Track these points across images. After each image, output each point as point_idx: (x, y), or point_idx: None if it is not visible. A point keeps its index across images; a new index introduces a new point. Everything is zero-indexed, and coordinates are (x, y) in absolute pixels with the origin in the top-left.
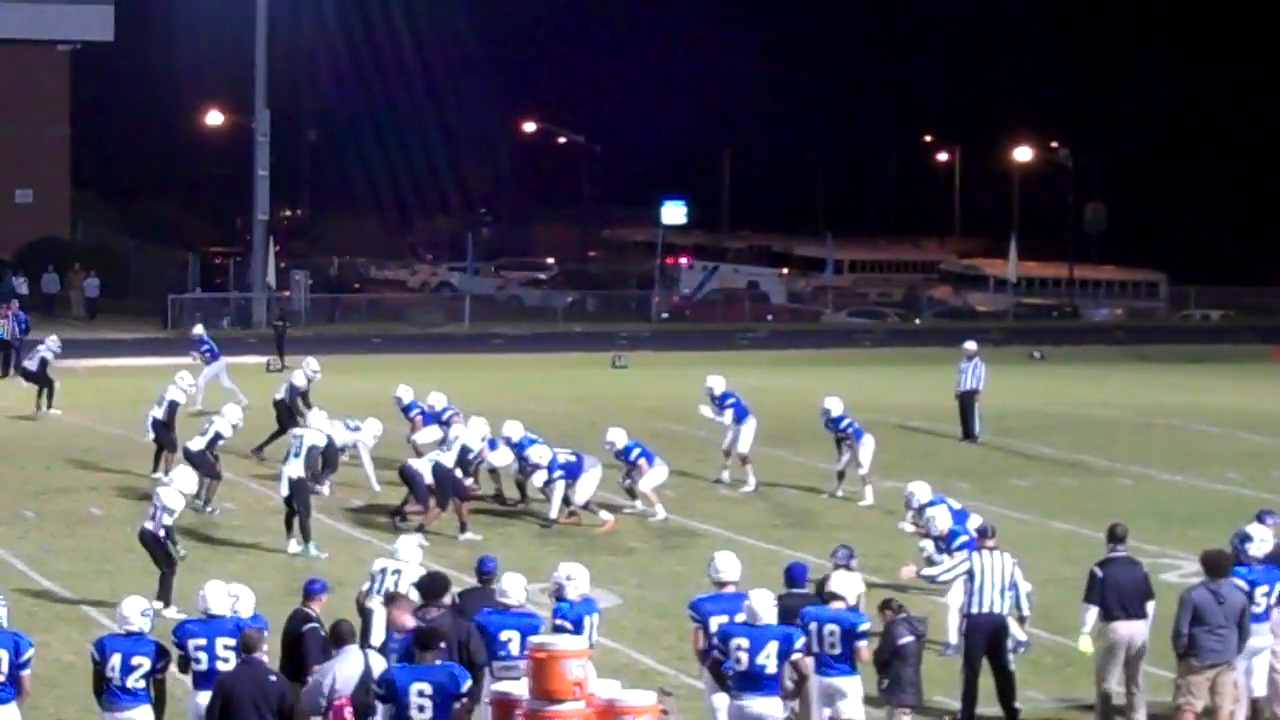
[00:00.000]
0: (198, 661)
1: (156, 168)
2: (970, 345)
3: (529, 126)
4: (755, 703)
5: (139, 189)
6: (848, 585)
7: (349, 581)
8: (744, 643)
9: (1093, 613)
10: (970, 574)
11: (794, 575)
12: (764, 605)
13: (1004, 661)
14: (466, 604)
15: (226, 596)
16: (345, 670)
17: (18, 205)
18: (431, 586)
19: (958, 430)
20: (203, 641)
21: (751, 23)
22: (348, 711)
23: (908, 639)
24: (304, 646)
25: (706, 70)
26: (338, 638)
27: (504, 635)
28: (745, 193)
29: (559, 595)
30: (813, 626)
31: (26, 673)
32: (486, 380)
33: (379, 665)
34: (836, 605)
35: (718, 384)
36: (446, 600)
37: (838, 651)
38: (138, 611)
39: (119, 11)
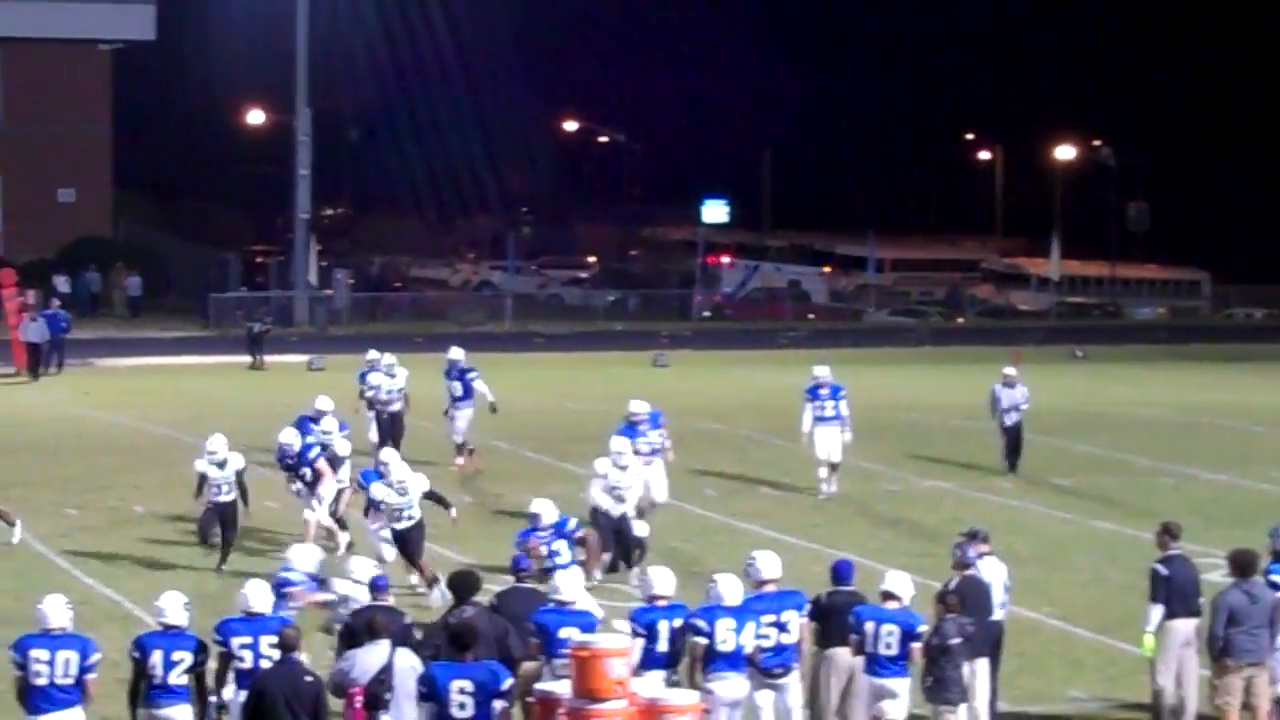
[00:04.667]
0: (241, 660)
1: (198, 167)
2: (1011, 370)
3: (570, 125)
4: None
5: (181, 188)
6: (904, 585)
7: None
8: (892, 628)
9: (1158, 611)
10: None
11: (840, 573)
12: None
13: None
14: (506, 602)
15: (270, 595)
16: (368, 660)
17: (60, 204)
18: (464, 585)
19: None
20: (248, 640)
21: (793, 21)
22: (358, 700)
23: (957, 640)
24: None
25: (748, 69)
26: (373, 630)
27: (563, 633)
28: (787, 191)
29: (650, 597)
30: (869, 626)
31: (92, 676)
32: (527, 379)
33: (410, 663)
34: (892, 605)
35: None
36: (481, 599)
37: (894, 652)
38: (178, 606)
39: (160, 10)
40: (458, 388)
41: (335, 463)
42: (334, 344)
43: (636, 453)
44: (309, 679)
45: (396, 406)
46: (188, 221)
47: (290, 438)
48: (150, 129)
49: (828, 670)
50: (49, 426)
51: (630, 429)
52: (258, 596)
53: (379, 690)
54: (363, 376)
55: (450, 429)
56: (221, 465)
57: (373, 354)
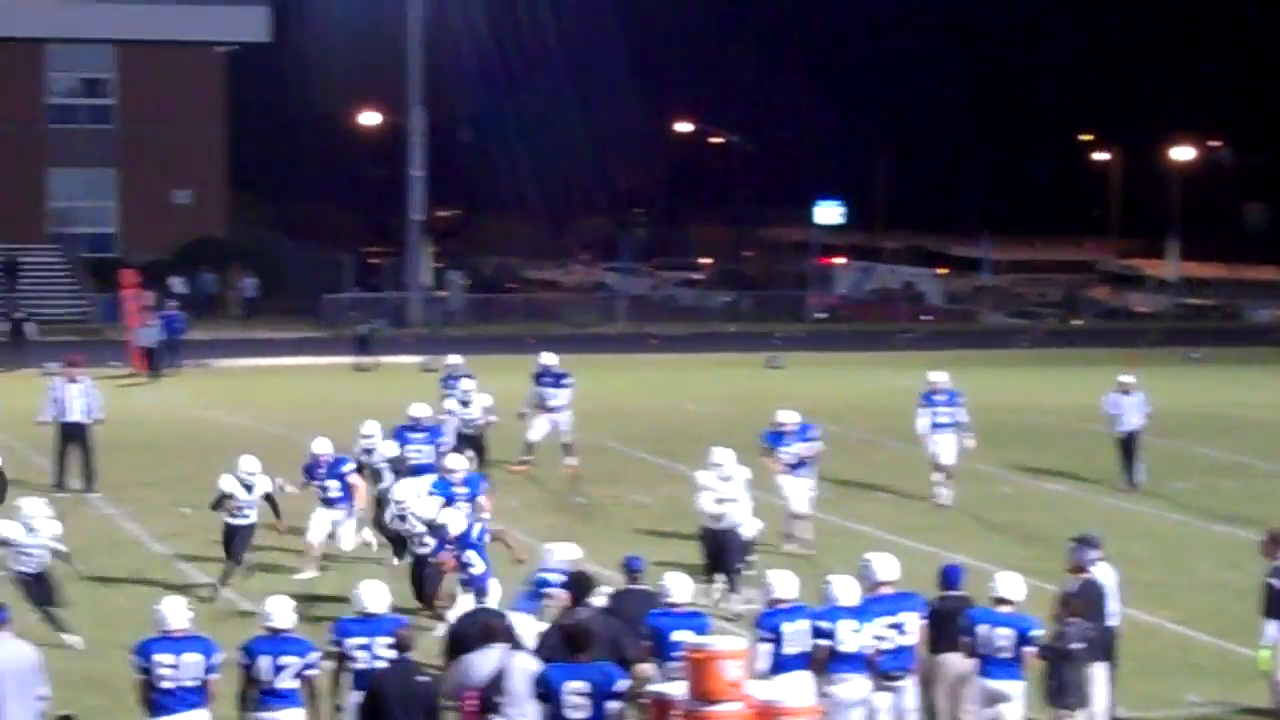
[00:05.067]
0: (355, 660)
1: (313, 168)
2: (1127, 378)
3: (683, 126)
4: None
5: (295, 189)
6: (1017, 588)
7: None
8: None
9: (1274, 626)
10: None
11: (949, 577)
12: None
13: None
14: (621, 604)
15: (383, 596)
16: (483, 665)
17: (176, 206)
18: (580, 586)
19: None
20: (363, 640)
21: (908, 21)
22: (472, 703)
23: (1079, 644)
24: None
25: (863, 68)
26: (489, 634)
27: (677, 635)
28: (902, 192)
29: (772, 601)
30: (983, 630)
31: (215, 677)
32: (641, 380)
33: (526, 666)
34: (1005, 608)
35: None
36: (597, 600)
37: (1008, 655)
38: (285, 609)
39: (275, 12)
40: (551, 393)
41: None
42: (448, 345)
43: (786, 467)
44: (423, 679)
45: (478, 424)
46: (302, 223)
47: (324, 447)
48: (265, 130)
49: (939, 675)
50: (165, 427)
51: (776, 437)
52: (372, 597)
53: (493, 694)
54: (444, 382)
55: (530, 431)
56: (250, 488)
57: (453, 359)
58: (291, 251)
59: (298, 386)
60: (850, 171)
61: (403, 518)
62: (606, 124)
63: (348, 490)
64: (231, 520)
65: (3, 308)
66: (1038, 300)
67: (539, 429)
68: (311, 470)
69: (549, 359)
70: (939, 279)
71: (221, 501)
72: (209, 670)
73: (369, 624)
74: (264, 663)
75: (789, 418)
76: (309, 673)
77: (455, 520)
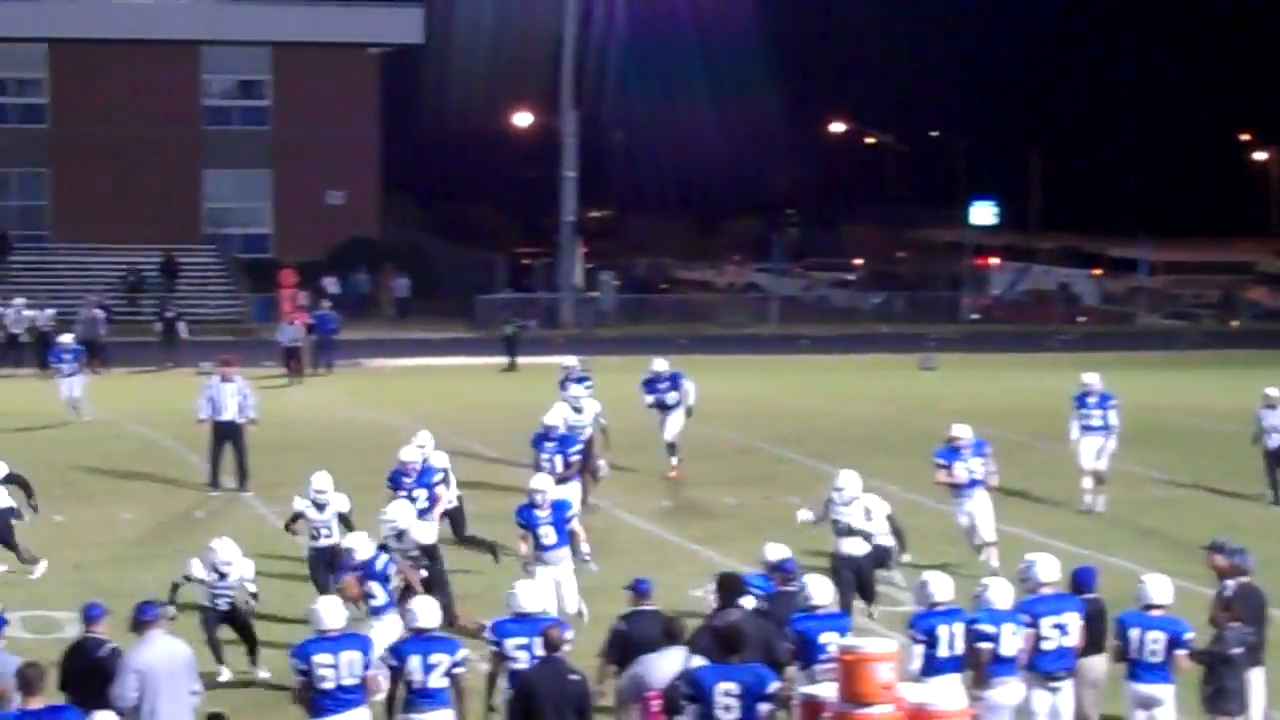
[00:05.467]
0: (516, 660)
1: (465, 169)
2: (1274, 391)
3: (836, 127)
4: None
5: (448, 190)
6: (1166, 591)
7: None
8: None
9: None
10: None
11: (1084, 580)
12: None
13: None
14: (772, 606)
15: (541, 596)
16: (664, 666)
17: (330, 206)
18: (731, 587)
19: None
20: (523, 640)
21: (1064, 21)
22: (656, 704)
23: (1238, 649)
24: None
25: (1016, 68)
26: (670, 634)
27: (823, 638)
28: (1057, 193)
29: (929, 604)
30: (1134, 633)
31: (373, 672)
32: (792, 382)
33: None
34: (1155, 613)
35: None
36: (746, 601)
37: (1159, 660)
38: (430, 610)
39: (429, 14)
40: (665, 396)
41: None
42: (600, 346)
43: (960, 485)
44: (575, 677)
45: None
46: (455, 224)
47: (413, 455)
48: (418, 131)
49: (1082, 679)
50: (317, 427)
51: (951, 453)
52: (529, 597)
53: (677, 695)
54: (562, 385)
55: (665, 433)
56: (322, 508)
57: (569, 361)
58: (444, 252)
59: (448, 387)
60: (1005, 171)
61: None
62: (759, 124)
63: (434, 501)
64: (314, 545)
65: (158, 307)
66: (1195, 301)
67: (671, 428)
68: (397, 479)
69: (660, 365)
70: (1094, 280)
71: (294, 521)
72: (367, 666)
73: (528, 624)
74: (414, 663)
75: (963, 432)
76: (457, 671)
77: (362, 545)
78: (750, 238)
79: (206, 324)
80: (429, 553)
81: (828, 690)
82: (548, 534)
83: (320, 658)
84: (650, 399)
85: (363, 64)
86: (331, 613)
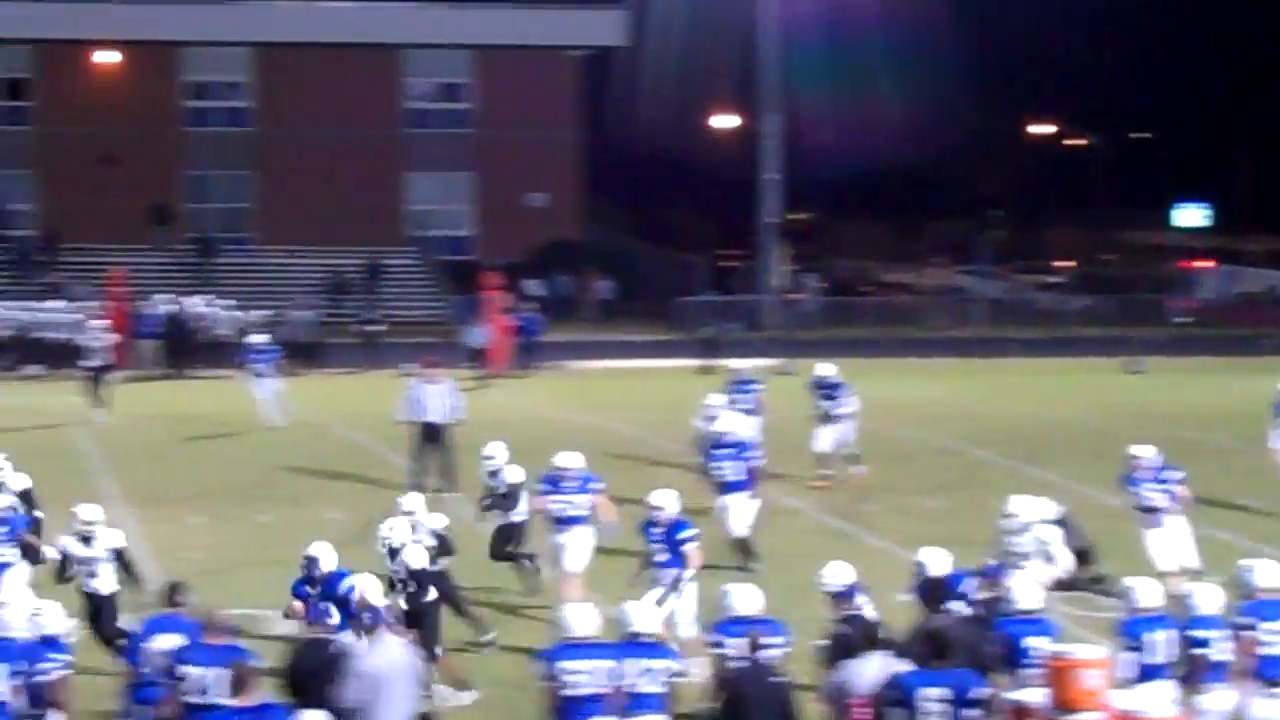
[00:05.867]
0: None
1: (666, 170)
2: None
3: (1041, 128)
4: None
5: (649, 192)
6: None
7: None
8: None
9: None
10: None
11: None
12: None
13: None
14: (979, 610)
15: (756, 598)
16: (868, 671)
17: (531, 209)
18: (938, 592)
19: None
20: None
21: (1272, 15)
22: (861, 711)
23: None
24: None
25: (1224, 68)
26: (871, 640)
27: (1029, 643)
28: (1268, 194)
29: (1136, 609)
30: None
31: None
32: (996, 385)
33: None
34: None
35: None
36: (954, 606)
37: None
38: (647, 615)
39: (628, 15)
40: (830, 404)
41: None
42: (801, 348)
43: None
44: (778, 680)
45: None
46: (656, 225)
47: (571, 460)
48: (619, 133)
49: None
50: (521, 427)
51: (1135, 480)
52: (743, 599)
53: (884, 701)
54: (730, 390)
55: (816, 443)
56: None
57: (737, 365)
58: (645, 254)
59: (650, 389)
60: (1213, 173)
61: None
62: (962, 125)
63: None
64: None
65: (363, 310)
66: None
67: (825, 439)
68: (555, 483)
69: (826, 370)
70: None
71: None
72: (613, 676)
73: (745, 626)
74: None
75: (1144, 453)
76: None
77: (326, 556)
78: (954, 240)
79: (408, 326)
80: (418, 579)
81: (1035, 695)
82: (660, 551)
83: (569, 664)
84: (815, 404)
85: (563, 66)
86: (580, 619)
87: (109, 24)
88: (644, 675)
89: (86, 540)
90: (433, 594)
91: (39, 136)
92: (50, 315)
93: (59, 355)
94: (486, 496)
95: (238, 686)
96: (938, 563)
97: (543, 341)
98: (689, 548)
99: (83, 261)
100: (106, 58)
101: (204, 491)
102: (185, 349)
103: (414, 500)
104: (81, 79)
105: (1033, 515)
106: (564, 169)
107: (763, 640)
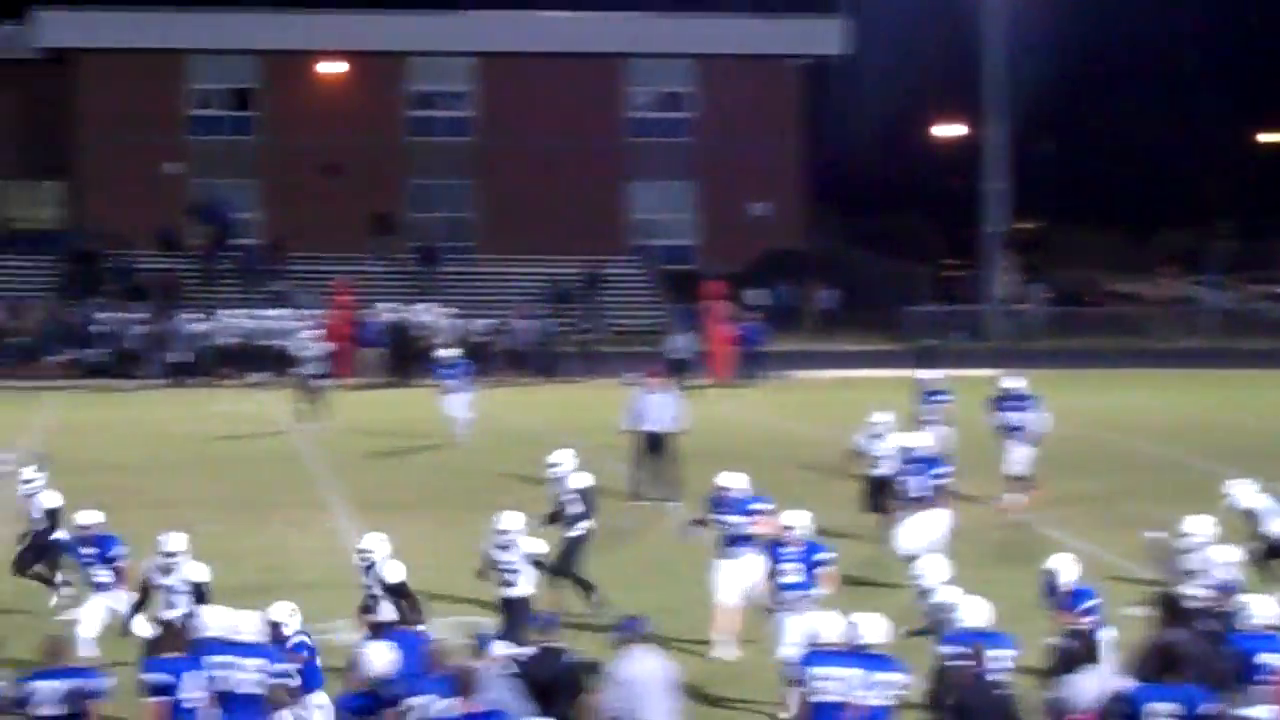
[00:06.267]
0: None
1: (888, 179)
2: None
3: (1271, 137)
4: None
5: (871, 201)
6: None
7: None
8: None
9: None
10: None
11: None
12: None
13: None
14: (1209, 625)
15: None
16: (1090, 685)
17: (754, 218)
18: (1170, 606)
19: None
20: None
21: None
22: None
23: None
24: None
25: None
26: (1092, 654)
27: (1262, 659)
28: None
29: None
30: None
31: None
32: (1226, 397)
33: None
34: None
35: None
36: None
37: None
38: (878, 628)
39: (849, 24)
40: (1015, 418)
41: None
42: (1026, 359)
43: None
44: (1003, 692)
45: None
46: (879, 235)
47: (734, 481)
48: (840, 142)
49: None
50: (744, 436)
51: None
52: (971, 612)
53: (1111, 715)
54: (921, 397)
55: (1008, 465)
56: (506, 548)
57: (927, 374)
58: (868, 264)
59: (872, 399)
60: None
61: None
62: (1192, 132)
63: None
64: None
65: (581, 319)
66: None
67: (1017, 460)
68: (718, 505)
69: (1014, 383)
70: None
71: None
72: (872, 687)
73: (971, 638)
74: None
75: None
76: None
77: (287, 618)
78: (1183, 249)
79: (629, 335)
80: (397, 591)
81: (1266, 713)
82: (789, 572)
83: (823, 669)
84: (995, 420)
85: (784, 75)
86: (873, 629)
87: (334, 35)
88: (877, 688)
89: (366, 566)
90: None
91: (265, 146)
92: (275, 323)
93: (283, 363)
94: (552, 510)
95: (463, 691)
96: (1067, 570)
97: (765, 351)
98: (823, 571)
99: (306, 270)
100: (332, 68)
101: (426, 498)
102: (408, 357)
103: (512, 519)
104: (307, 89)
105: (1205, 534)
106: (785, 177)
107: (989, 653)
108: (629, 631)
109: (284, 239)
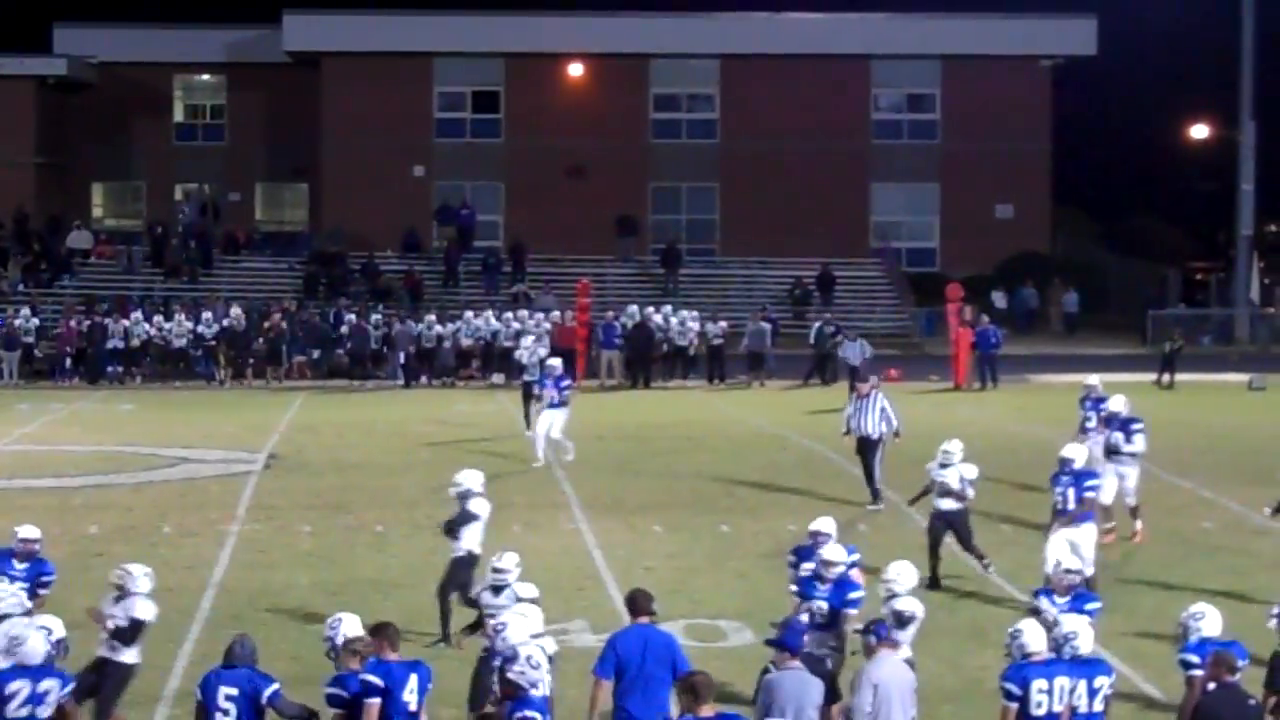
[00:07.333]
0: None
1: (1137, 181)
2: None
3: None
4: None
5: (1119, 203)
6: None
7: None
8: None
9: None
10: None
11: None
12: None
13: None
14: None
15: (1215, 621)
16: None
17: (998, 220)
18: None
19: None
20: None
21: None
22: None
23: None
24: None
25: None
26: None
27: None
28: None
29: None
30: None
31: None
32: None
33: None
34: None
35: None
36: None
37: None
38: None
39: (1101, 23)
40: (1119, 439)
41: None
42: (1276, 364)
43: None
44: (1255, 703)
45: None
46: (1125, 237)
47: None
48: (1088, 143)
49: None
50: (981, 441)
51: None
52: (1210, 622)
53: None
54: (1084, 403)
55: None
56: (499, 590)
57: (1091, 380)
58: (1115, 267)
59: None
60: None
61: None
62: None
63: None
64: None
65: (818, 321)
66: None
67: (1108, 488)
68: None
69: (1118, 404)
70: None
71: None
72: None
73: (1213, 648)
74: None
75: None
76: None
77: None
78: None
79: (872, 338)
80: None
81: None
82: (823, 609)
83: (1039, 682)
84: (1087, 418)
85: (1033, 76)
86: (1035, 638)
87: (579, 37)
88: (1092, 694)
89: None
90: None
91: (509, 148)
92: (516, 325)
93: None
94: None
95: (696, 697)
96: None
97: (1006, 355)
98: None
99: (548, 272)
100: (576, 70)
101: (663, 501)
102: (649, 359)
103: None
104: (550, 91)
105: None
106: (1032, 180)
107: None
108: (882, 636)
109: (525, 241)
